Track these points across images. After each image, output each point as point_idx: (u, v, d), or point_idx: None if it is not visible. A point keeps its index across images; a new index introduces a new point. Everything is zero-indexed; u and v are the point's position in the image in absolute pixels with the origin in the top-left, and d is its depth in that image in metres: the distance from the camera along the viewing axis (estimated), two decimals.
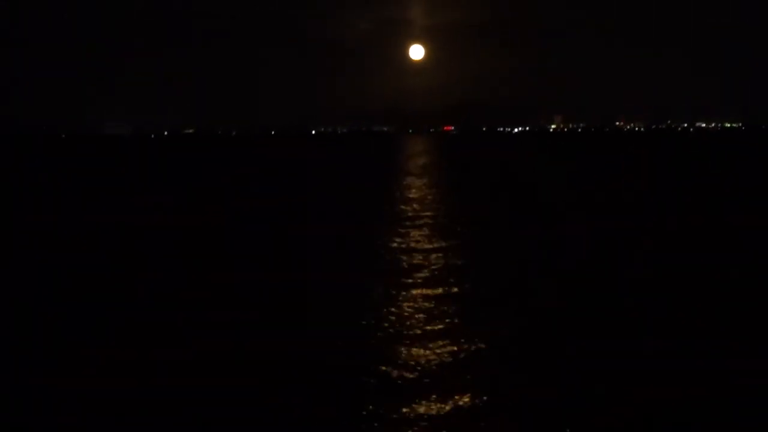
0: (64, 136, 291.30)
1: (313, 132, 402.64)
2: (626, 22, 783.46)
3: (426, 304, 10.97)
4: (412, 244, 16.14)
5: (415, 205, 24.39)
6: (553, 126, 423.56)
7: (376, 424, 6.82)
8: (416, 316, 10.31)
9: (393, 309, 10.64)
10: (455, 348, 8.83)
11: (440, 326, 9.77)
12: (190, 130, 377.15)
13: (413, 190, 30.83)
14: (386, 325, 9.89)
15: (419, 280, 12.44)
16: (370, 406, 7.19)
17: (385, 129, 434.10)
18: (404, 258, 14.56)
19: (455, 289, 11.76)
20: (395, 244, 16.20)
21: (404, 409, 7.10)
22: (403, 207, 23.92)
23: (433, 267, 13.60)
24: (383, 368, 8.21)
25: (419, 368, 8.20)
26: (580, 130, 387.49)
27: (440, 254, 14.81)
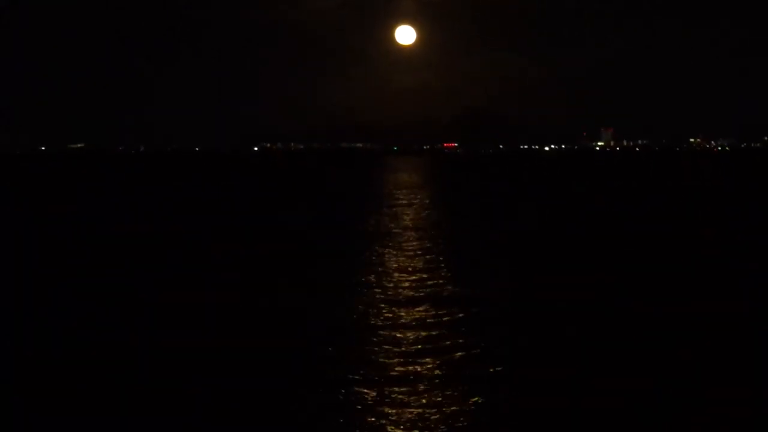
0: None
1: (255, 149, 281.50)
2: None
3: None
4: None
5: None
6: (599, 143, 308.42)
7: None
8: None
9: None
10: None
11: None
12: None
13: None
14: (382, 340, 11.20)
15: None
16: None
17: (359, 145, 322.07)
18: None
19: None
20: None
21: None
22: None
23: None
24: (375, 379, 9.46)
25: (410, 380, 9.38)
26: (638, 149, 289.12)
27: None
